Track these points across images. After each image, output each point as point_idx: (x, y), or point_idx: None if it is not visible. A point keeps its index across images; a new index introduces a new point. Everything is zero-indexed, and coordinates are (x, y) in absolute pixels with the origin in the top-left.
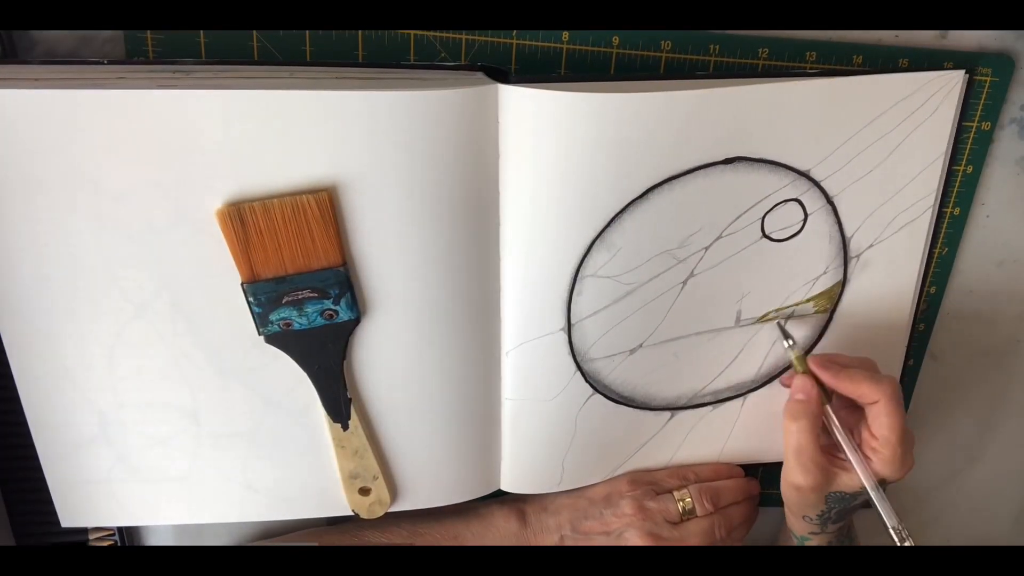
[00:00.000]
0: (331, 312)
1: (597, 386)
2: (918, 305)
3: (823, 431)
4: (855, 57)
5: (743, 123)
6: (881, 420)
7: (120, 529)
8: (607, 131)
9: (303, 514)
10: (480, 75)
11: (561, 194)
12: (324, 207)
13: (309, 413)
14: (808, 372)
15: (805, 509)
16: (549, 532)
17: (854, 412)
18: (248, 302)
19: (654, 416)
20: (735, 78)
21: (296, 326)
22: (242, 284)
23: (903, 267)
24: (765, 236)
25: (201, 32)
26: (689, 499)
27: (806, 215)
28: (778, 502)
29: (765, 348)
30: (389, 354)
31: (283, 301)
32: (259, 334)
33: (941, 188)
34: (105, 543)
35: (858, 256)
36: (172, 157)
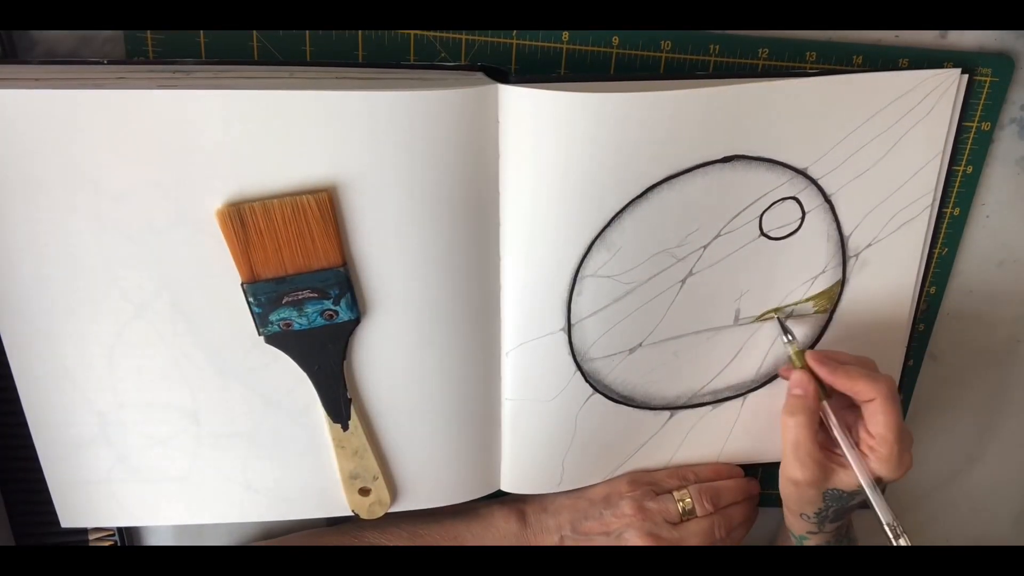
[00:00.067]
0: (331, 312)
1: (597, 386)
2: (918, 305)
3: (821, 427)
4: (855, 57)
5: (741, 122)
6: (877, 418)
7: (120, 529)
8: (607, 131)
9: (303, 514)
10: (480, 75)
11: (561, 194)
12: (324, 207)
13: (309, 413)
14: (806, 367)
15: (803, 506)
16: (549, 532)
17: (852, 410)
18: (248, 302)
19: (654, 416)
20: (735, 78)
21: (296, 326)
22: (242, 284)
23: (902, 266)
24: (763, 234)
25: (201, 32)
26: (689, 499)
27: (804, 213)
28: (778, 502)
29: (764, 347)
30: (389, 354)
31: (283, 301)
32: (259, 334)
33: (940, 187)
34: (105, 543)
35: (857, 255)
36: (172, 157)
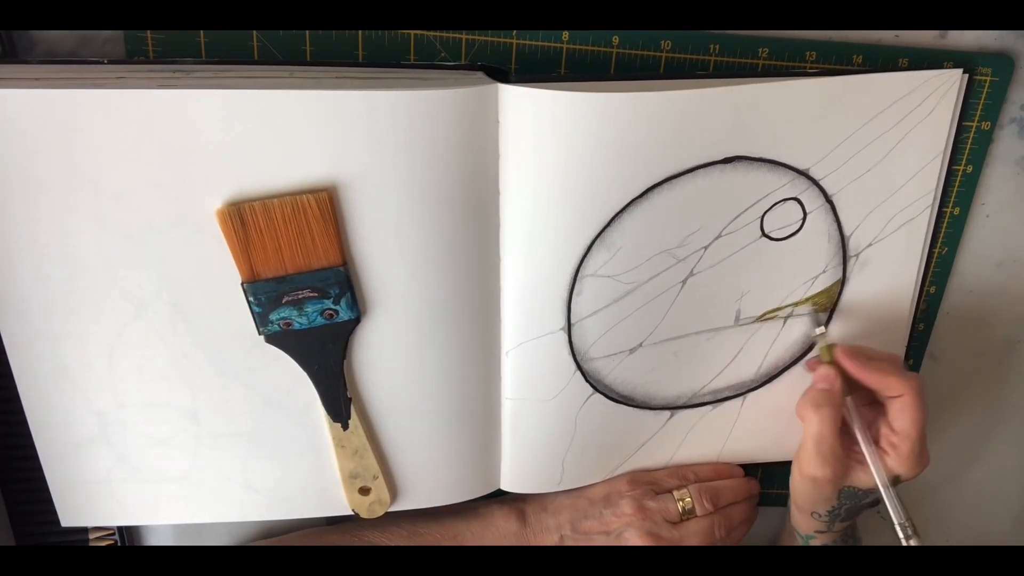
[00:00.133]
0: (331, 312)
1: (597, 386)
2: (918, 305)
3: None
4: (855, 57)
5: (742, 122)
6: (905, 414)
7: (120, 529)
8: (607, 131)
9: (303, 514)
10: (480, 75)
11: (561, 194)
12: (324, 207)
13: (309, 413)
14: (833, 362)
15: (816, 504)
16: (549, 532)
17: (871, 407)
18: (248, 302)
19: (654, 416)
20: (735, 78)
21: (296, 326)
22: (242, 284)
23: (902, 266)
24: (764, 235)
25: (201, 32)
26: (689, 499)
27: (805, 214)
28: (778, 502)
29: (764, 347)
30: (389, 354)
31: (283, 301)
32: (259, 334)
33: (940, 187)
34: (105, 543)
35: (857, 255)
36: (172, 157)
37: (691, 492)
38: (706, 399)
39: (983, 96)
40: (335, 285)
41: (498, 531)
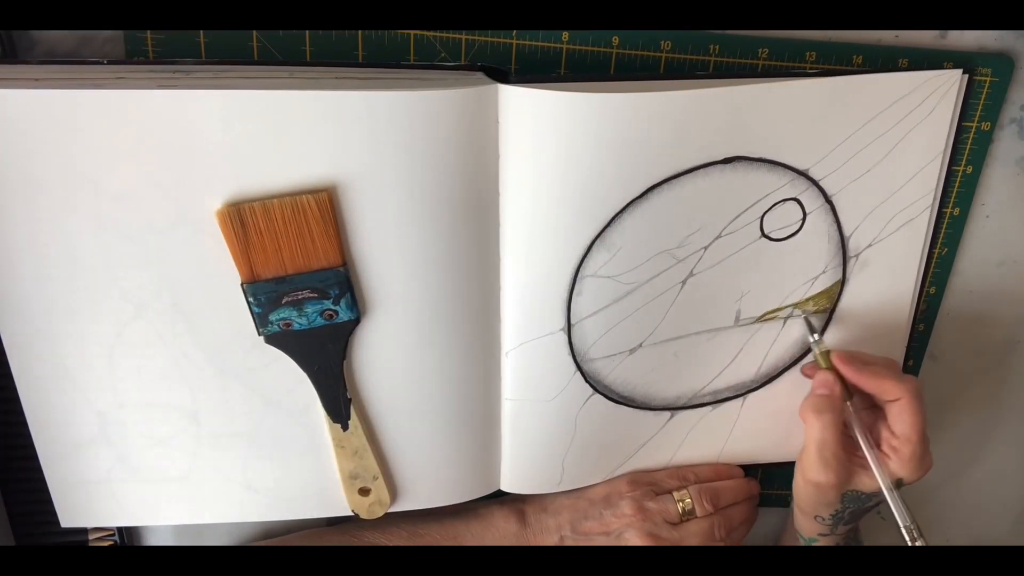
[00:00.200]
0: (331, 312)
1: (597, 386)
2: (918, 305)
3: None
4: (855, 57)
5: (742, 122)
6: (903, 418)
7: (120, 529)
8: (607, 131)
9: (303, 514)
10: (480, 75)
11: (561, 194)
12: (324, 207)
13: (309, 413)
14: (831, 368)
15: (819, 508)
16: (549, 532)
17: (871, 412)
18: (248, 302)
19: (654, 416)
20: (735, 78)
21: (296, 326)
22: (242, 284)
23: (902, 267)
24: (764, 235)
25: (201, 32)
26: (689, 500)
27: (805, 214)
28: (778, 502)
29: (764, 348)
30: (389, 354)
31: (283, 301)
32: (259, 334)
33: (940, 188)
34: (105, 543)
35: (857, 255)
36: (172, 157)
37: (691, 493)
38: (706, 400)
39: (983, 96)
40: (335, 286)
41: (498, 532)
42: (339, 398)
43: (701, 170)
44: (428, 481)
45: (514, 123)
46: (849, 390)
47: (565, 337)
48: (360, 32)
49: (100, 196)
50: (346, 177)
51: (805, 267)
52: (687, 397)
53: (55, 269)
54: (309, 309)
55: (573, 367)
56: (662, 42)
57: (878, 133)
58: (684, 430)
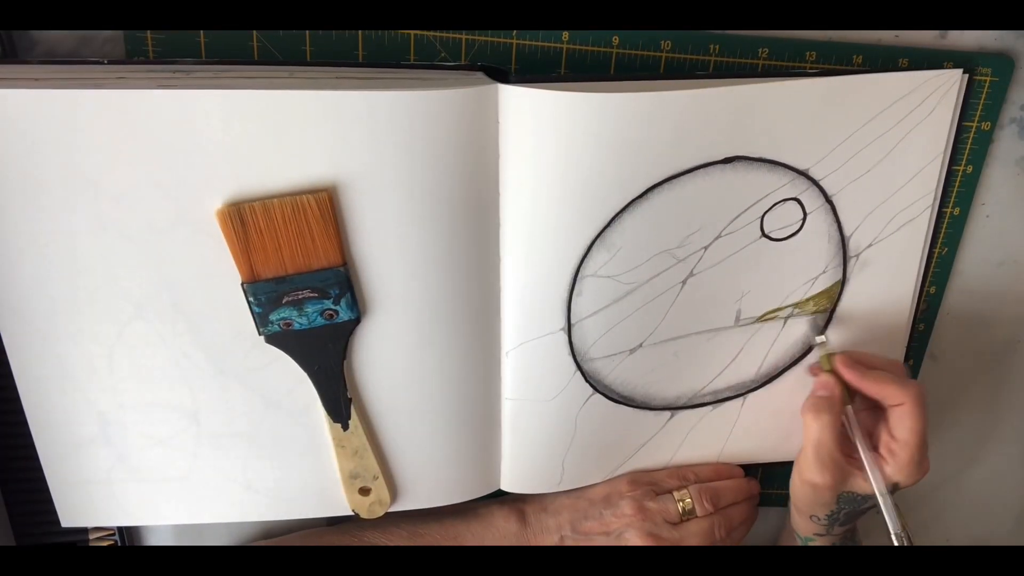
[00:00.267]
0: (331, 312)
1: (597, 386)
2: (918, 305)
3: (841, 430)
4: (855, 57)
5: (742, 122)
6: (904, 423)
7: (120, 529)
8: (607, 131)
9: (303, 514)
10: (480, 75)
11: (561, 194)
12: (324, 207)
13: (309, 413)
14: (833, 371)
15: (815, 508)
16: (549, 532)
17: (871, 415)
18: (248, 302)
19: (654, 416)
20: (735, 78)
21: (296, 326)
22: (242, 284)
23: (903, 267)
24: (764, 235)
25: (201, 32)
26: (689, 499)
27: (805, 214)
28: (778, 502)
29: (765, 348)
30: (389, 354)
31: (283, 301)
32: (259, 334)
33: (940, 188)
34: (105, 543)
35: (857, 255)
36: (172, 157)
37: (691, 493)
38: (706, 399)
39: (983, 96)
40: (335, 285)
41: (498, 531)
42: (339, 398)
43: (701, 170)
44: (428, 481)
45: (514, 123)
46: (851, 392)
47: (565, 337)
48: (360, 32)
49: (100, 196)
50: (346, 177)
51: (805, 267)
52: (687, 397)
53: (55, 269)
54: (309, 309)
55: (573, 367)
56: (662, 42)
57: (878, 133)
58: (684, 430)
